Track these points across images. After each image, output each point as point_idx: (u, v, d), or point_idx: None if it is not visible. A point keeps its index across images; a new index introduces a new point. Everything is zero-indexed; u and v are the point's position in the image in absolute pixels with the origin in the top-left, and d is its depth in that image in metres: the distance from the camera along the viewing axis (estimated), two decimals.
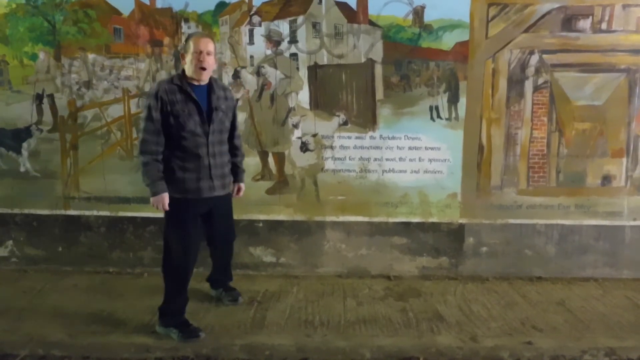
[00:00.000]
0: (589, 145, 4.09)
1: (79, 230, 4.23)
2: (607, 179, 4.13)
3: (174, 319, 3.22)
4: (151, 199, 3.06)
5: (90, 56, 4.05)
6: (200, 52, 2.99)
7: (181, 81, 3.05)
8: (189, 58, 3.02)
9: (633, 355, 3.11)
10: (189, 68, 3.04)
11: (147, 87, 4.05)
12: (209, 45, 3.02)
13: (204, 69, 3.02)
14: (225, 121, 3.19)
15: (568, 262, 4.19)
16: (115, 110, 4.10)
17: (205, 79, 3.08)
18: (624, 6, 3.93)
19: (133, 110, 4.09)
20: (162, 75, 4.03)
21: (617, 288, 4.02)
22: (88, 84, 4.08)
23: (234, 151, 3.35)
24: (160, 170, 3.03)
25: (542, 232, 4.17)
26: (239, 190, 3.46)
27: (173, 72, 4.01)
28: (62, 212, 4.20)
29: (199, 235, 3.26)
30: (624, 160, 4.11)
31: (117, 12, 4.01)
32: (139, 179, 4.02)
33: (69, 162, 4.15)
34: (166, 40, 4.02)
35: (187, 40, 3.09)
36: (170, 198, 3.06)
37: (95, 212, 4.19)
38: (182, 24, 3.99)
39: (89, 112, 4.11)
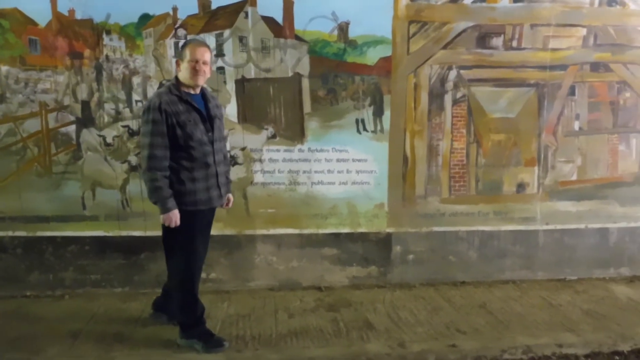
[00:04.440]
0: (504, 155, 4.34)
1: None
2: (521, 187, 4.40)
3: (196, 330, 3.22)
4: (162, 217, 3.00)
5: (3, 68, 3.84)
6: (197, 62, 2.98)
7: (179, 91, 3.02)
8: (184, 65, 3.00)
9: (547, 352, 3.32)
10: (183, 75, 3.02)
11: (66, 101, 3.90)
12: (205, 55, 3.02)
13: (197, 76, 3.00)
14: (222, 129, 3.25)
15: (489, 266, 4.42)
16: (32, 125, 3.90)
17: (200, 85, 3.08)
18: (532, 26, 4.23)
19: (51, 124, 3.91)
20: (83, 88, 3.90)
21: (533, 289, 4.28)
22: (1, 98, 3.86)
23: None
24: (168, 186, 2.98)
25: (464, 238, 4.37)
26: (228, 201, 3.41)
27: (94, 85, 3.89)
28: None
29: (205, 244, 3.25)
30: (536, 168, 4.39)
31: (32, 23, 3.83)
32: (59, 197, 3.94)
33: None
34: (87, 53, 3.88)
35: (183, 47, 3.05)
36: (181, 211, 3.01)
37: (10, 233, 3.95)
38: (104, 35, 3.88)
39: (2, 126, 3.89)
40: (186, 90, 3.05)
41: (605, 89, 4.39)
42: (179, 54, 3.07)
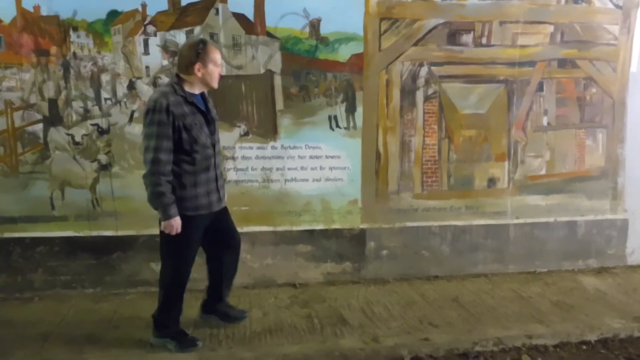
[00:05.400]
0: (475, 150, 4.40)
1: None
2: (492, 182, 4.47)
3: (170, 330, 3.18)
4: (163, 223, 2.90)
5: None
6: (219, 66, 3.00)
7: (184, 92, 2.92)
8: (209, 69, 2.93)
9: (517, 343, 3.40)
10: (205, 79, 2.96)
11: (32, 99, 3.81)
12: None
13: (217, 80, 3.02)
14: (218, 130, 3.17)
15: (461, 260, 4.48)
16: None
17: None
18: (501, 23, 4.29)
19: (17, 123, 3.82)
20: (50, 86, 3.82)
21: (504, 282, 4.35)
22: None
23: None
24: (172, 192, 2.88)
25: (437, 233, 4.42)
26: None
27: (61, 82, 3.82)
28: None
29: (197, 248, 3.21)
30: (506, 163, 4.47)
31: None
32: (26, 197, 3.86)
33: None
34: (53, 50, 3.80)
35: (202, 48, 2.92)
36: (181, 217, 2.92)
37: None
38: (71, 32, 3.81)
39: None
40: (190, 90, 2.96)
41: (572, 85, 4.48)
42: (197, 57, 2.90)
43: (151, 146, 2.82)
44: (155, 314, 3.22)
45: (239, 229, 4.06)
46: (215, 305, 3.45)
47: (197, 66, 2.91)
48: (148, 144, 2.84)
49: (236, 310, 3.53)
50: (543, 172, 4.53)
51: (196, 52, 2.89)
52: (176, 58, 3.88)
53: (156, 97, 2.86)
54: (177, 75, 2.98)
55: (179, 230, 2.92)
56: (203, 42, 2.95)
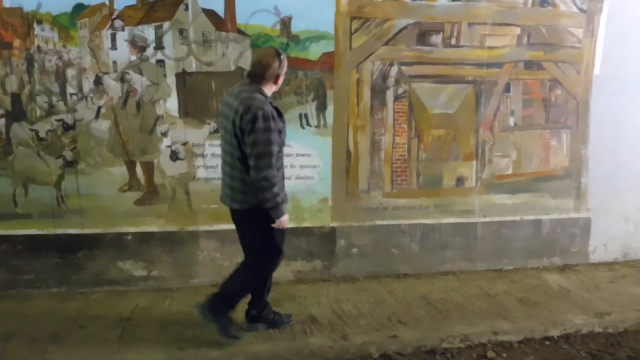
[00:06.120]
0: (444, 150, 4.46)
1: None
2: (460, 180, 4.54)
3: (224, 311, 3.23)
4: (279, 220, 3.10)
5: None
6: None
7: (269, 98, 3.06)
8: (284, 77, 3.16)
9: (484, 339, 3.46)
10: (279, 87, 3.21)
11: None
12: None
13: None
14: None
15: (430, 258, 4.53)
16: None
17: None
18: (469, 24, 4.35)
19: None
20: (13, 80, 3.72)
21: (472, 279, 4.42)
22: None
23: None
24: None
25: (406, 231, 4.46)
26: None
27: (25, 76, 3.72)
28: None
29: None
30: (474, 163, 4.54)
31: None
32: None
33: None
34: (16, 43, 3.70)
35: (283, 60, 3.08)
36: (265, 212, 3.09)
37: None
38: (35, 25, 3.71)
39: None
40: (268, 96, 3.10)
41: (538, 86, 4.58)
42: (279, 68, 3.07)
43: (267, 151, 2.95)
44: (225, 293, 3.26)
45: (208, 227, 4.10)
46: (261, 312, 3.45)
47: (279, 77, 3.11)
48: (263, 149, 2.95)
49: (282, 316, 3.53)
50: (510, 171, 4.62)
51: (279, 64, 3.06)
52: (144, 54, 3.84)
53: (261, 105, 2.95)
54: (254, 83, 3.07)
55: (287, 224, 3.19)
56: (281, 54, 3.10)
